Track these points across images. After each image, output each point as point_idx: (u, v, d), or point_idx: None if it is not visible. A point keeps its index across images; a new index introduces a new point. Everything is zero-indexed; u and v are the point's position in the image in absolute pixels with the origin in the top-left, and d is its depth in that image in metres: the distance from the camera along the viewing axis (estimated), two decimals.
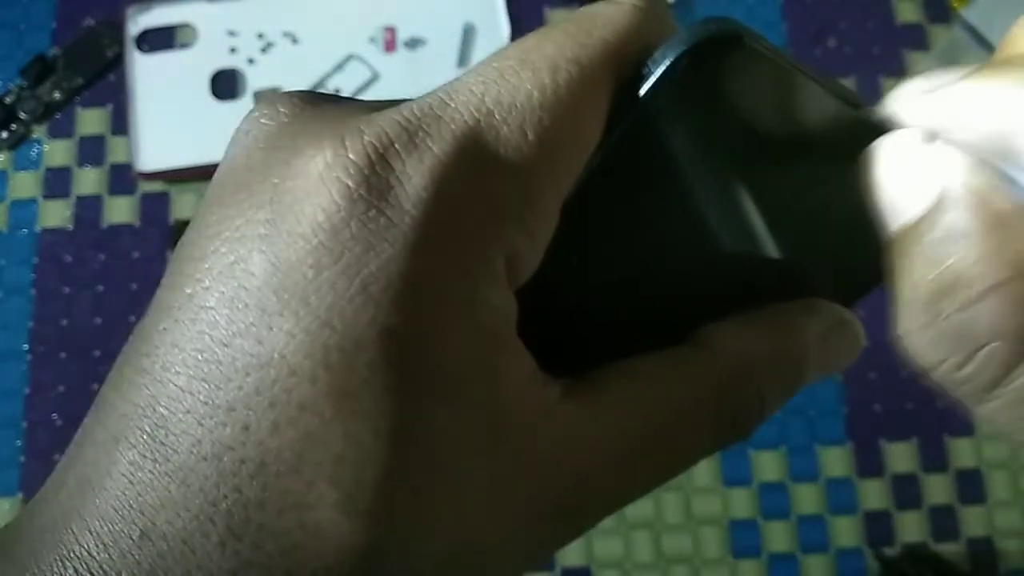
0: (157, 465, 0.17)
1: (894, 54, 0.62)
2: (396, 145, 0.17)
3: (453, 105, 0.18)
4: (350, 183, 0.17)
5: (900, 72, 0.61)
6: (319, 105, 0.19)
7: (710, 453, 0.21)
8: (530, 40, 0.19)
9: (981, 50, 0.57)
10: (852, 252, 0.21)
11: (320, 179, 0.17)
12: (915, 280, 0.18)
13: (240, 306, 0.17)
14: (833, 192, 0.20)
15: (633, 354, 0.21)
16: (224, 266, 0.17)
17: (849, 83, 0.61)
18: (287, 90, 0.20)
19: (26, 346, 0.55)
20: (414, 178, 0.17)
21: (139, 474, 0.17)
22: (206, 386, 0.17)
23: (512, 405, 0.18)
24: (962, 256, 0.17)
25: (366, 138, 0.17)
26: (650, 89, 0.19)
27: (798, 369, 0.22)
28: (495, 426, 0.18)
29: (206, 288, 0.17)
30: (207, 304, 0.17)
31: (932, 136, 0.18)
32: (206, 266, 0.18)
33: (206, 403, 0.17)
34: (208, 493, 0.17)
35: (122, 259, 0.56)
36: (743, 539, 0.54)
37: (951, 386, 0.18)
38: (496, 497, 0.18)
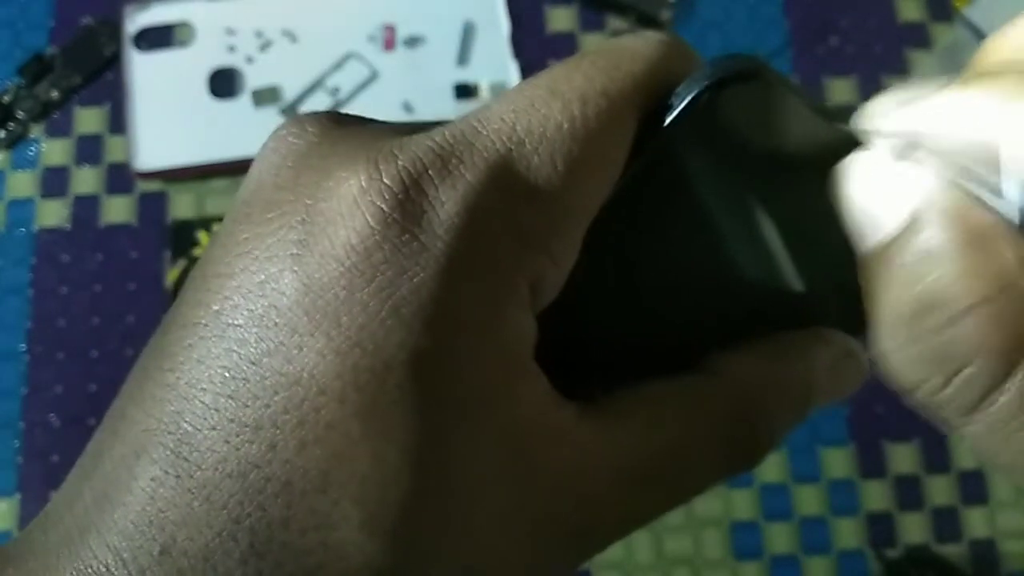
0: (180, 481, 0.17)
1: (896, 52, 0.62)
2: (430, 171, 0.18)
3: (485, 133, 0.18)
4: (384, 207, 0.17)
5: (902, 71, 0.61)
6: (346, 125, 0.19)
7: (720, 480, 0.21)
8: (559, 70, 0.19)
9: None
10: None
11: (354, 202, 0.17)
12: (892, 299, 0.18)
13: (270, 325, 0.17)
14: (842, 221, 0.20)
15: (645, 377, 0.21)
16: (254, 284, 0.17)
17: (851, 82, 0.61)
18: (315, 110, 0.20)
19: (23, 346, 0.54)
20: (447, 204, 0.17)
21: (161, 490, 0.17)
22: (233, 404, 0.17)
23: (529, 428, 0.18)
24: (939, 275, 0.17)
25: (400, 163, 0.18)
26: (674, 120, 0.19)
27: (806, 398, 0.22)
28: (513, 448, 0.18)
29: (235, 306, 0.17)
30: (236, 322, 0.17)
31: (903, 152, 0.18)
32: (235, 284, 0.18)
33: (233, 421, 0.17)
34: (232, 511, 0.16)
35: (120, 259, 0.56)
36: (745, 540, 0.53)
37: (932, 407, 0.18)
38: (512, 518, 0.18)
